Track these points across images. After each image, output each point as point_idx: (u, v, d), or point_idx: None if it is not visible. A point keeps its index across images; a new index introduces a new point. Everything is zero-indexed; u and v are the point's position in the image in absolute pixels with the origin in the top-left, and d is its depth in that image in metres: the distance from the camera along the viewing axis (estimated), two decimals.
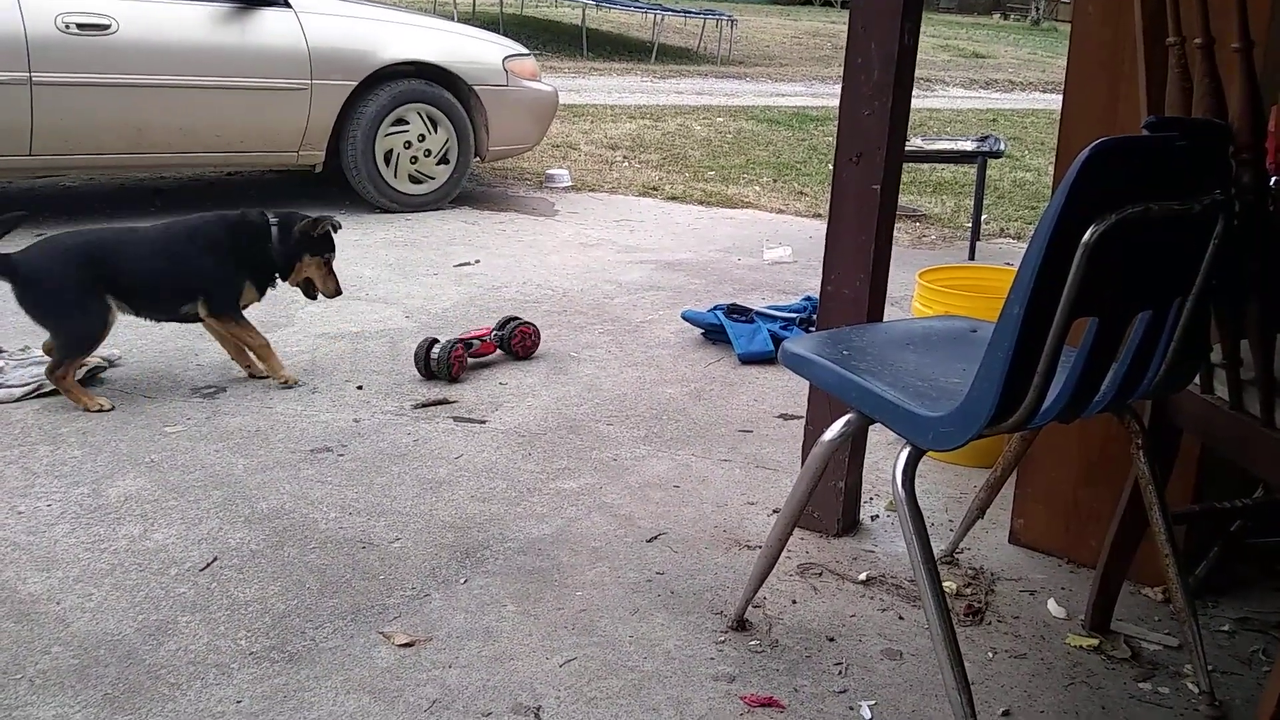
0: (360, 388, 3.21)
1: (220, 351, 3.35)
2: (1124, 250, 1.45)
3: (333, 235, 3.29)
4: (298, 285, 3.32)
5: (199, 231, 3.19)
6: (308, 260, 3.25)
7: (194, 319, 3.20)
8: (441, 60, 5.63)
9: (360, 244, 4.95)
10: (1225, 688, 1.94)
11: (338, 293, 3.35)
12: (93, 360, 3.16)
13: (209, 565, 2.20)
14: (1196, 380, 1.78)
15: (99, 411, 2.95)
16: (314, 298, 3.37)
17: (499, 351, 3.52)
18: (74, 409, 2.93)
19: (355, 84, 5.37)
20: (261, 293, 3.27)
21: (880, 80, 2.23)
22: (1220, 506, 2.09)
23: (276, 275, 3.26)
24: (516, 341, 3.53)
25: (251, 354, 3.24)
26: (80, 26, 4.69)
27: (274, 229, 3.21)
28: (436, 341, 3.33)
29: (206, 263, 3.14)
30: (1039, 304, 1.42)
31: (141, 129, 4.96)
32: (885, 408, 1.66)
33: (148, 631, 1.97)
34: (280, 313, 3.83)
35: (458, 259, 4.76)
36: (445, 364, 3.27)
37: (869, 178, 2.29)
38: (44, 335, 3.21)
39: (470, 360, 3.39)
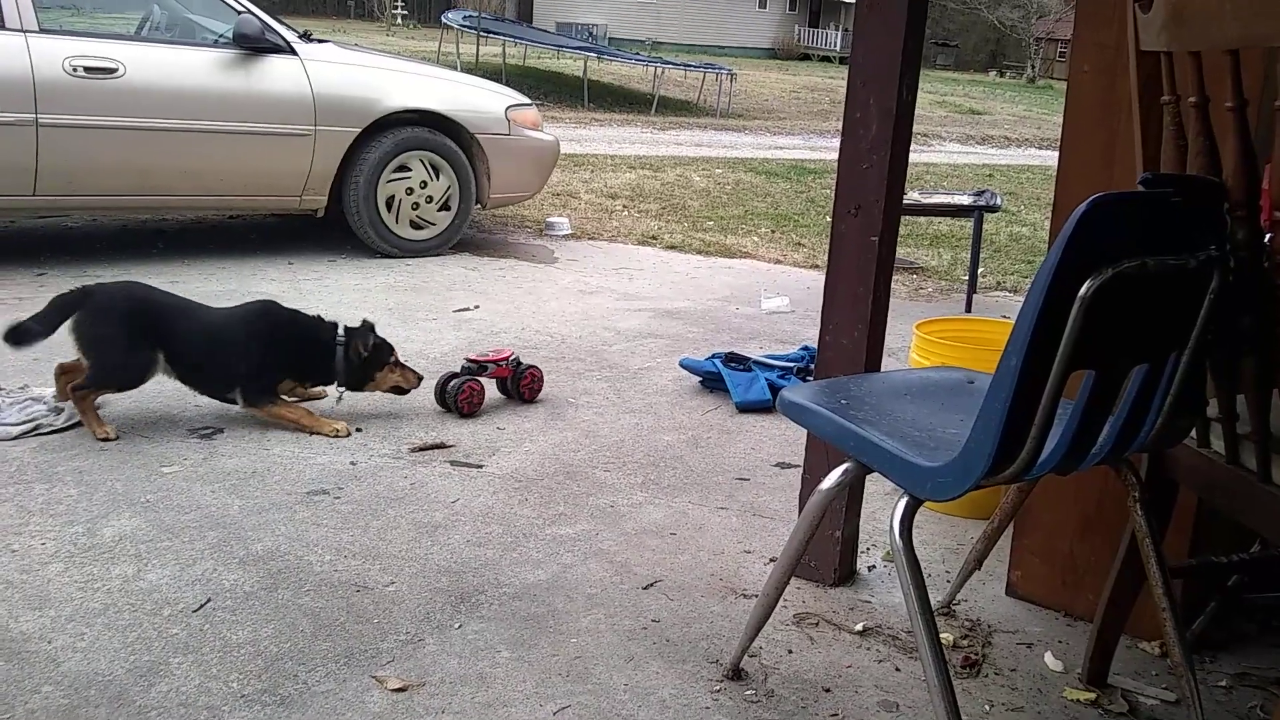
0: (359, 430, 3.21)
1: None
2: (1120, 304, 1.46)
3: (381, 342, 3.33)
4: (387, 391, 3.40)
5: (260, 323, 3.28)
6: (382, 375, 3.34)
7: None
8: (444, 109, 5.69)
9: (360, 288, 4.97)
10: None
11: (419, 380, 3.40)
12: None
13: (202, 606, 2.19)
14: (1193, 434, 1.79)
15: (104, 440, 2.99)
16: (405, 393, 3.41)
17: (501, 395, 3.58)
18: (71, 448, 2.93)
19: (359, 131, 5.42)
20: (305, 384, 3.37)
21: (879, 135, 2.26)
22: (1217, 561, 2.09)
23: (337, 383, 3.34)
24: (526, 383, 3.56)
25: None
26: (88, 70, 4.75)
27: (339, 348, 3.29)
28: (456, 376, 3.43)
29: (250, 351, 3.21)
30: (1036, 356, 1.43)
31: (146, 171, 5.00)
32: (883, 457, 1.67)
33: (139, 672, 1.95)
34: None
35: (457, 305, 4.78)
36: (454, 401, 3.38)
37: (867, 230, 2.31)
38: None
39: (485, 381, 3.48)
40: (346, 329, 3.31)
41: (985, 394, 1.49)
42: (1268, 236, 1.62)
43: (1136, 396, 1.62)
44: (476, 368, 3.49)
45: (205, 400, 3.33)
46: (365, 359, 3.29)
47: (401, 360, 3.40)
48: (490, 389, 3.52)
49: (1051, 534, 2.37)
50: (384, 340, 3.35)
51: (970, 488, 1.53)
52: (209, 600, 2.21)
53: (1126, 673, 2.14)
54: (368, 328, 3.31)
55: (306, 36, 5.56)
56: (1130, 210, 1.52)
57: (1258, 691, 2.10)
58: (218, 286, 4.79)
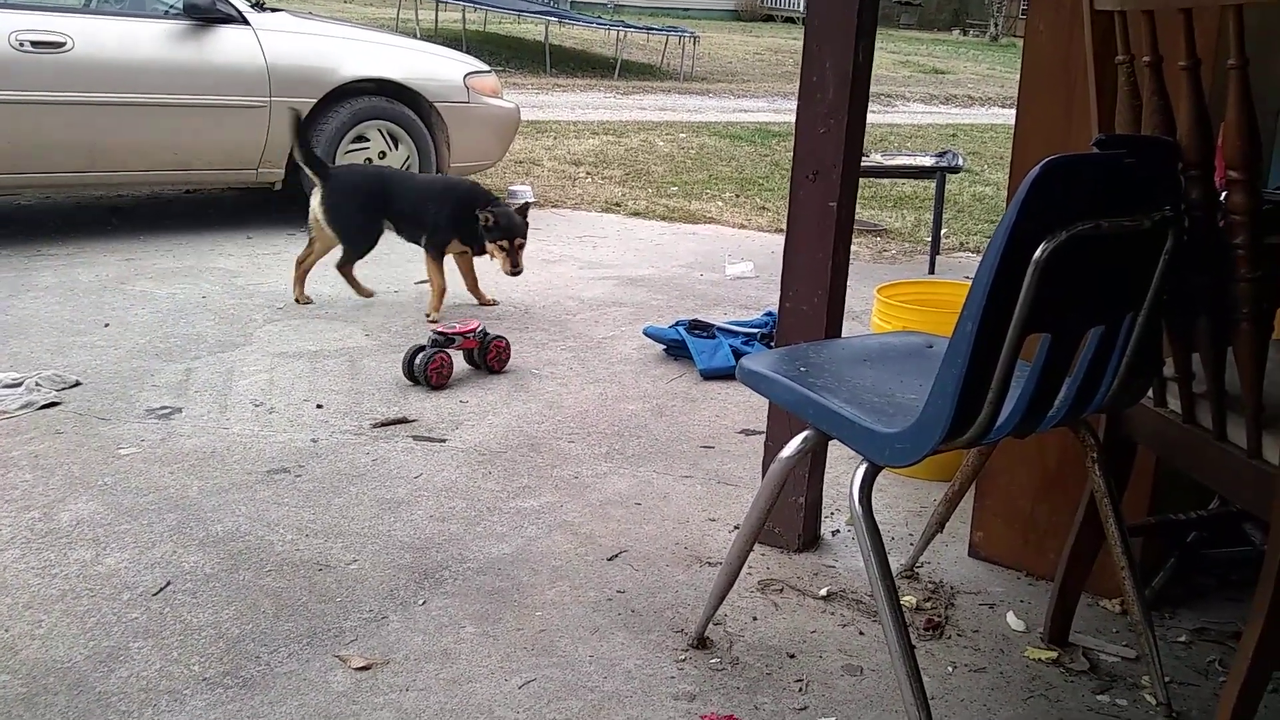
0: (320, 406, 3.17)
1: (176, 372, 3.35)
2: (1075, 267, 1.46)
3: (504, 224, 4.02)
4: (495, 259, 4.13)
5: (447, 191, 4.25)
6: (490, 246, 4.08)
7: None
8: (402, 77, 5.61)
9: (321, 261, 4.89)
10: (1182, 699, 1.95)
11: (515, 273, 4.10)
12: (42, 398, 3.10)
13: (162, 590, 2.16)
14: (1150, 394, 1.80)
15: (369, 297, 4.26)
16: (510, 274, 4.11)
17: (469, 366, 3.56)
18: (26, 432, 2.88)
19: (315, 101, 5.33)
20: (471, 249, 4.22)
21: (835, 99, 2.24)
22: (1176, 518, 2.11)
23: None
24: (492, 356, 3.54)
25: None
26: (35, 44, 4.64)
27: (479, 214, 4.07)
28: (422, 349, 3.41)
29: (437, 215, 4.17)
30: (992, 321, 1.42)
31: (98, 147, 4.91)
32: (841, 424, 1.66)
33: (98, 658, 1.93)
34: (238, 332, 3.79)
35: (418, 276, 4.71)
36: (423, 373, 3.36)
37: (826, 195, 2.30)
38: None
39: (453, 353, 3.48)
40: (495, 204, 4.11)
41: (942, 359, 1.48)
42: (1222, 195, 1.62)
43: (1093, 358, 1.62)
44: (445, 340, 3.46)
45: (163, 379, 3.30)
46: (486, 227, 4.04)
47: (516, 249, 4.05)
48: (457, 361, 3.49)
49: (1012, 495, 2.38)
50: (511, 223, 4.04)
51: (928, 453, 1.53)
52: (169, 583, 2.19)
53: (1088, 631, 2.16)
54: (510, 209, 4.09)
55: (259, 6, 5.45)
56: (1084, 172, 1.51)
57: (1216, 646, 2.13)
58: (175, 263, 4.73)
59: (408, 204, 4.22)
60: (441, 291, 4.18)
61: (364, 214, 4.21)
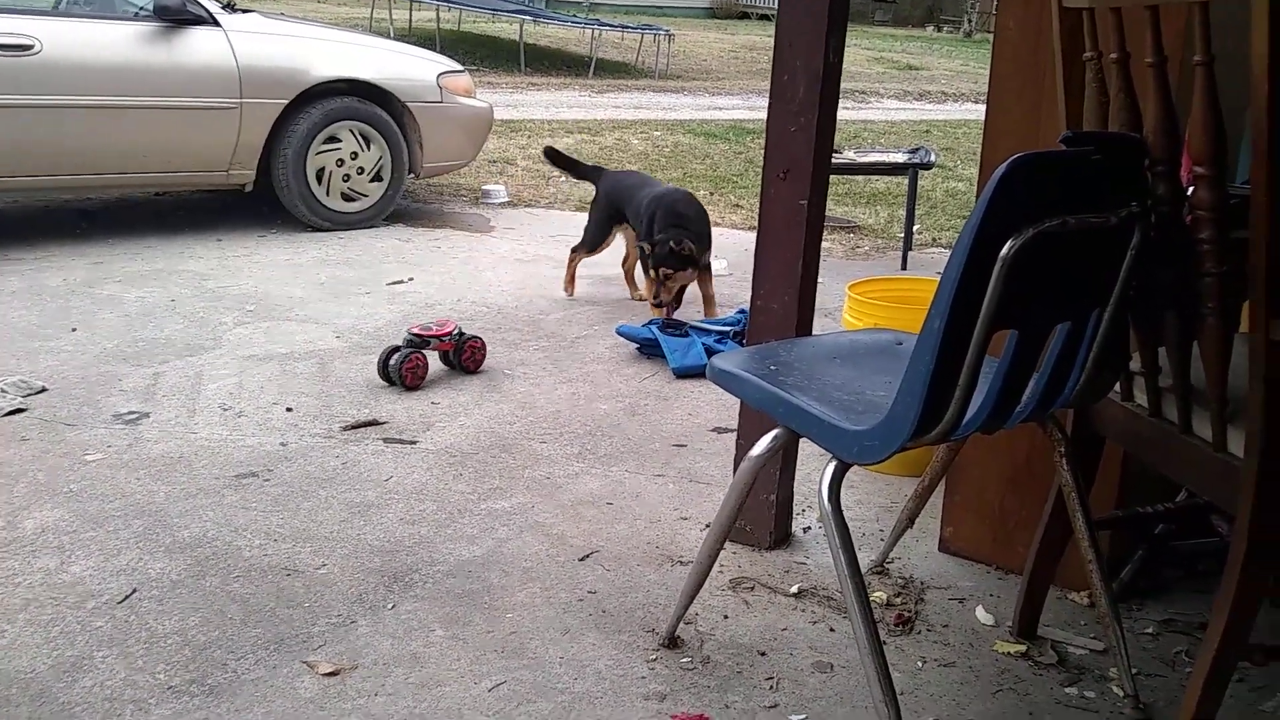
0: (290, 410, 3.15)
1: (143, 377, 3.33)
2: (1042, 263, 1.46)
3: (649, 255, 4.10)
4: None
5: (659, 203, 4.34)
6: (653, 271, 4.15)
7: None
8: (374, 78, 5.57)
9: (292, 263, 4.87)
10: (1149, 690, 1.96)
11: (654, 303, 4.14)
12: (7, 404, 3.05)
13: (128, 597, 2.14)
14: (1117, 389, 1.80)
15: (568, 295, 4.57)
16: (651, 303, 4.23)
17: (444, 367, 3.55)
18: None
19: (286, 102, 5.29)
20: None
21: (806, 98, 2.24)
22: (1143, 511, 2.11)
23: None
24: (468, 356, 3.54)
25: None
26: (3, 47, 4.58)
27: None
28: (398, 350, 3.39)
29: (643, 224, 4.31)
30: (959, 318, 1.42)
31: (67, 150, 4.84)
32: (810, 422, 1.66)
33: (62, 668, 1.90)
34: (207, 335, 3.76)
35: (391, 277, 4.71)
36: (398, 374, 3.34)
37: (796, 193, 2.29)
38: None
39: (429, 355, 3.46)
40: (665, 226, 4.13)
41: (910, 356, 1.48)
42: (1189, 191, 1.63)
43: (1060, 354, 1.62)
44: (420, 340, 3.44)
45: (130, 384, 3.26)
46: (642, 255, 4.25)
47: (660, 279, 4.07)
48: (432, 361, 3.47)
49: (981, 490, 2.39)
50: (657, 254, 4.05)
51: (896, 450, 1.53)
52: (134, 591, 2.16)
53: (1056, 624, 2.16)
54: (669, 237, 4.05)
55: (230, 7, 5.40)
56: (1051, 169, 1.51)
57: (1183, 637, 2.14)
58: (144, 266, 4.68)
59: (633, 211, 4.48)
60: (650, 282, 4.38)
61: (600, 214, 4.61)
